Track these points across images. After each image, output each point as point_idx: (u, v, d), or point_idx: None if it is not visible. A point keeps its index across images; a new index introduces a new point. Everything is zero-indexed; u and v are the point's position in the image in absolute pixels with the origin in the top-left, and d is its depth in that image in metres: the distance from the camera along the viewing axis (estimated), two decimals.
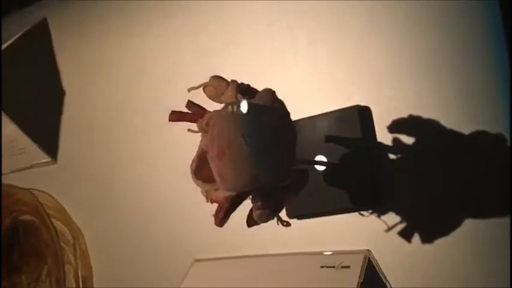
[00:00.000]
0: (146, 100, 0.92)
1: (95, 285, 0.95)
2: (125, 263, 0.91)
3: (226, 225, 0.82)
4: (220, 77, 0.54)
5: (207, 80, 0.55)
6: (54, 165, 1.01)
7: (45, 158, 0.99)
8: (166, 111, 0.92)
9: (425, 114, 0.67)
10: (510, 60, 0.61)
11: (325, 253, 0.74)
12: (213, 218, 0.79)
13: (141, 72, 0.91)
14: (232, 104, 0.48)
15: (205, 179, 0.55)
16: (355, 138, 0.70)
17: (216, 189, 0.53)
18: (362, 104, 0.72)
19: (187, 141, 0.88)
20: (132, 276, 0.89)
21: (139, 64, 0.92)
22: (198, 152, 0.55)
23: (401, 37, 0.69)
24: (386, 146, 0.70)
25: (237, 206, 0.53)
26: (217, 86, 0.53)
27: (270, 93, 0.48)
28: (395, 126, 0.69)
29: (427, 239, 0.67)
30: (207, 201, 0.54)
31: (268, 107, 0.47)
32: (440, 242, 0.67)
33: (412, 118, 0.68)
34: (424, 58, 0.67)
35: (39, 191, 0.98)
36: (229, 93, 0.52)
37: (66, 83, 0.99)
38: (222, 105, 0.55)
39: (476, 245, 0.64)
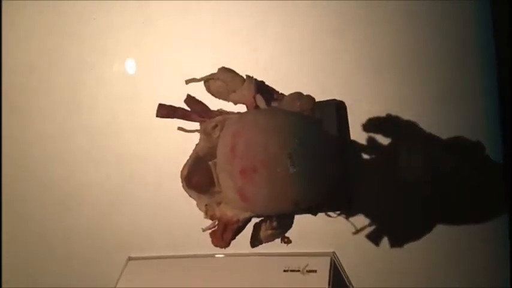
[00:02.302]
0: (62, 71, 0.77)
1: None
2: (49, 264, 0.77)
3: (168, 221, 0.73)
4: (233, 71, 0.45)
5: (215, 72, 0.45)
6: None
7: None
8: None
9: (404, 115, 0.64)
10: (498, 70, 0.60)
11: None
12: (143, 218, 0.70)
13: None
14: (271, 111, 0.39)
15: (198, 188, 0.46)
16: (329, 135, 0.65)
17: (219, 204, 0.44)
18: (338, 98, 0.66)
19: (117, 123, 0.76)
20: (59, 278, 0.76)
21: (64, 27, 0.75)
22: (192, 156, 0.46)
23: (387, 34, 0.64)
24: (360, 145, 0.66)
25: (245, 226, 0.45)
26: (229, 81, 0.43)
27: (312, 101, 0.40)
28: (372, 125, 0.65)
29: (396, 243, 0.66)
30: (206, 217, 0.45)
31: (316, 120, 0.40)
32: (409, 247, 0.66)
33: (390, 118, 0.65)
34: (409, 58, 0.64)
35: None
36: (245, 92, 0.43)
37: None
38: (228, 103, 0.46)
39: (446, 250, 0.64)
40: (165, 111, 0.46)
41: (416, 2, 0.63)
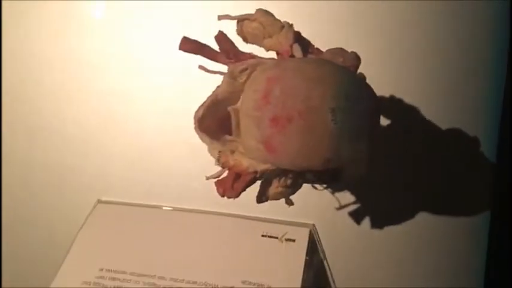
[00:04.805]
0: None
1: None
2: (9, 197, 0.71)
3: (146, 168, 0.70)
4: (272, 15, 0.42)
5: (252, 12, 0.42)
6: None
7: None
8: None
9: (408, 99, 0.64)
10: (508, 72, 0.61)
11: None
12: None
13: None
14: (317, 60, 0.37)
15: (210, 133, 0.43)
16: None
17: (232, 152, 0.42)
18: None
19: (104, 57, 0.71)
20: (26, 215, 0.71)
21: None
22: (210, 98, 0.43)
23: (398, 14, 0.63)
24: None
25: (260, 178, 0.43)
26: (268, 24, 0.41)
27: (357, 58, 0.38)
28: None
29: (377, 224, 0.66)
30: (218, 164, 0.42)
31: (362, 77, 0.38)
32: (389, 230, 0.66)
33: (393, 99, 0.64)
34: (419, 42, 0.63)
35: None
36: (282, 39, 0.41)
37: None
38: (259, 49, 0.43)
39: (425, 238, 0.65)
40: (190, 45, 0.43)
41: None
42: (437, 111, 0.64)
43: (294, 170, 0.41)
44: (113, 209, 0.72)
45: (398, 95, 0.65)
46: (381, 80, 0.62)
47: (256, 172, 0.40)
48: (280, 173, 0.41)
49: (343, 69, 0.37)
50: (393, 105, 0.65)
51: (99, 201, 0.72)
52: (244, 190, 0.42)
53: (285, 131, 0.36)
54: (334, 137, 0.35)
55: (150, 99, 0.69)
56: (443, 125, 0.64)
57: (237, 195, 0.41)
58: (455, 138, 0.64)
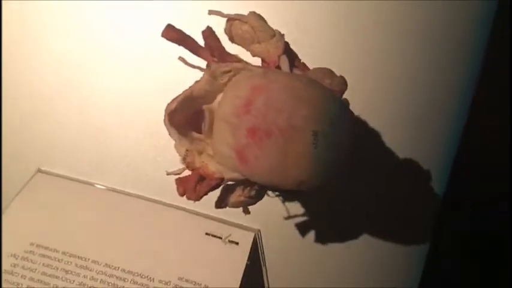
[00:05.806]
0: None
1: None
2: None
3: (95, 144, 0.67)
4: (265, 20, 0.40)
5: (244, 14, 0.40)
6: None
7: None
8: None
9: (372, 122, 0.65)
10: (471, 113, 0.63)
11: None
12: None
13: None
14: (308, 79, 0.36)
15: (179, 128, 0.41)
16: None
17: (200, 153, 0.41)
18: None
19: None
20: None
21: None
22: (185, 93, 0.41)
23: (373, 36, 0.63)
24: None
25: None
26: (260, 30, 0.39)
27: (345, 84, 0.37)
28: None
29: (321, 239, 0.66)
30: (183, 162, 0.41)
31: (347, 104, 0.37)
32: (331, 246, 0.67)
33: (357, 120, 0.65)
34: (395, 68, 0.64)
35: None
36: (271, 47, 0.40)
37: None
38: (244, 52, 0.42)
39: (365, 260, 0.66)
40: (175, 34, 0.40)
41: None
42: (398, 139, 0.65)
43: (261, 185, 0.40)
44: (54, 181, 0.68)
45: (364, 117, 0.65)
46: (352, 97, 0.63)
47: (222, 179, 0.38)
48: (246, 182, 0.39)
49: (332, 93, 0.36)
50: (357, 127, 0.65)
51: (39, 171, 0.68)
52: (206, 194, 0.40)
53: (262, 145, 0.35)
54: (311, 161, 0.34)
55: (114, 74, 0.66)
56: (401, 154, 0.65)
57: (198, 199, 0.39)
58: (409, 168, 0.65)
